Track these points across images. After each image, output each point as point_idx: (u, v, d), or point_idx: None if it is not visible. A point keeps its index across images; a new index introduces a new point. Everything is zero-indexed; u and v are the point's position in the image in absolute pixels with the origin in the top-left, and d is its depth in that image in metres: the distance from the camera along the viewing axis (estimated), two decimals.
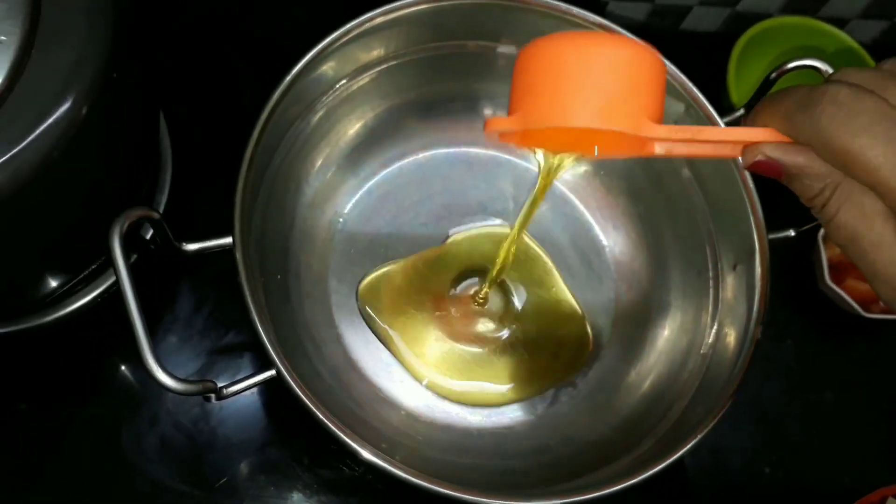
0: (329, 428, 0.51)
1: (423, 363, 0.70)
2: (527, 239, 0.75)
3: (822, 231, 0.79)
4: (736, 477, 0.75)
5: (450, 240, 0.74)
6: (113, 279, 0.69)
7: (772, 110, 0.38)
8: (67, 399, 0.69)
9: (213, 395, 0.49)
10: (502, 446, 0.68)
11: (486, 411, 0.69)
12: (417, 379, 0.69)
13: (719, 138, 0.40)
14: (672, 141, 0.40)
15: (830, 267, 0.79)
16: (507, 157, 0.78)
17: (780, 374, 0.79)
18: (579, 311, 0.74)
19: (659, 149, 0.40)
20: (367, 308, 0.70)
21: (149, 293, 0.67)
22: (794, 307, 0.82)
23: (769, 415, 0.78)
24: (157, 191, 0.72)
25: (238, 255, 0.53)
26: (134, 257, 0.68)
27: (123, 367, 0.71)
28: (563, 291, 0.74)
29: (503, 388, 0.70)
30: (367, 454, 0.52)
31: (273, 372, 0.52)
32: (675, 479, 0.74)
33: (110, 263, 0.65)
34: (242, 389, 0.52)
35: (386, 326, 0.70)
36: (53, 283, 0.60)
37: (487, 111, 0.77)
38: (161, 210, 0.72)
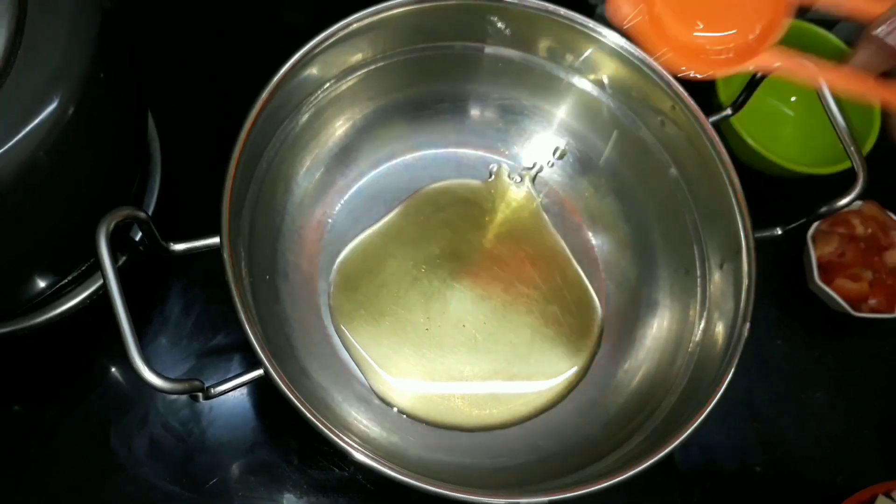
0: (317, 427, 0.51)
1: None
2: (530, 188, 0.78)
3: (811, 231, 0.79)
4: (727, 476, 0.76)
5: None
6: (93, 288, 0.69)
7: None
8: (57, 400, 0.69)
9: (200, 395, 0.49)
10: (493, 445, 0.68)
11: (476, 411, 0.69)
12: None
13: None
14: None
15: (820, 267, 0.79)
16: (496, 157, 0.78)
17: (770, 373, 0.79)
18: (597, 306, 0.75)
19: None
20: (343, 328, 0.71)
21: (138, 294, 0.67)
22: (784, 307, 0.82)
23: (760, 414, 0.78)
24: (147, 191, 0.72)
25: (225, 255, 0.54)
26: (123, 259, 0.68)
27: (113, 369, 0.71)
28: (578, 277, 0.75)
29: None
30: (356, 454, 0.52)
31: (261, 371, 0.52)
32: (666, 478, 0.74)
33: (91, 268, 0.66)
34: (230, 389, 0.52)
35: (362, 352, 0.70)
36: (42, 284, 0.60)
37: (475, 112, 0.77)
38: (150, 210, 0.72)
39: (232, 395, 0.69)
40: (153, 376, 0.46)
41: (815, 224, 0.79)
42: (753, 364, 0.78)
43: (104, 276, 0.47)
